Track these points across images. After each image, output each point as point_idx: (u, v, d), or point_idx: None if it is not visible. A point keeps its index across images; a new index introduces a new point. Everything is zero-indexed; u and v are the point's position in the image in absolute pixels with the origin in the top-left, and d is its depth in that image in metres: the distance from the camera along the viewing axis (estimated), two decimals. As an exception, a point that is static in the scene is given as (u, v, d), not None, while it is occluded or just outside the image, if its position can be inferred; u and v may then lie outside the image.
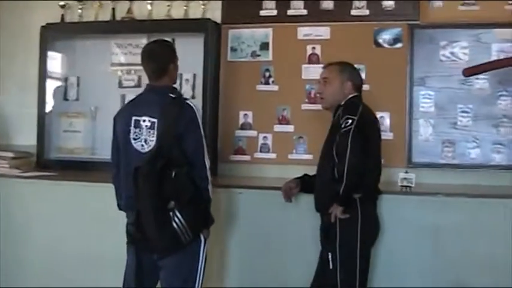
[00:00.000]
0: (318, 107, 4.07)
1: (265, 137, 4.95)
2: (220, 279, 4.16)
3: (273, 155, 4.92)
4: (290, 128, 4.91)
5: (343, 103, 3.60)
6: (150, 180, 3.13)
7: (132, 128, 3.37)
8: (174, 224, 3.19)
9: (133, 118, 3.37)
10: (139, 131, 3.35)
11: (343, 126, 3.39)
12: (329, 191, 3.47)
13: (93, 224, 4.29)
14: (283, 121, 4.93)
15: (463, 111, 4.58)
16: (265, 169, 4.89)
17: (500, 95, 4.53)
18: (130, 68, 5.21)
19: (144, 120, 3.34)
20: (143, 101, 3.45)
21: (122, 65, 5.28)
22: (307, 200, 3.83)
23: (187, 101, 3.36)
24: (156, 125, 3.31)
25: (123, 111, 3.53)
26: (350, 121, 3.38)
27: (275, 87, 4.96)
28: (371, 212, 3.55)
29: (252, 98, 4.98)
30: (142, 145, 3.33)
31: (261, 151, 4.95)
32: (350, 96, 3.64)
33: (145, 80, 3.60)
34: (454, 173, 4.53)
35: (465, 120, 4.58)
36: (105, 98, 5.24)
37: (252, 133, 4.98)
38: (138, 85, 5.08)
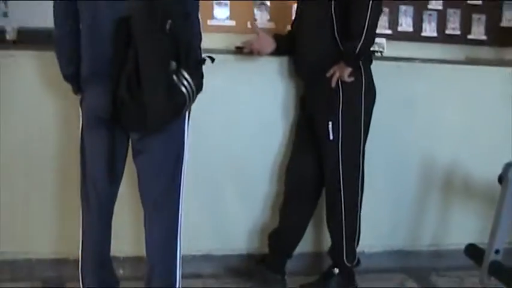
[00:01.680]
0: None
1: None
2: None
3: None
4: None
5: None
6: (154, 36, 2.54)
7: None
8: (184, 89, 2.61)
9: None
10: None
11: None
12: (331, 54, 3.23)
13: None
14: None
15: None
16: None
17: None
18: None
19: None
20: None
21: None
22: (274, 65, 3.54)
23: None
24: None
25: None
26: None
27: None
28: (371, 75, 3.31)
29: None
30: None
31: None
32: None
33: None
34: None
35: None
36: None
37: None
38: None
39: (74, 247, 3.15)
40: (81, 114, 2.81)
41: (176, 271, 2.87)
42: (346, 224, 3.33)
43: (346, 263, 3.39)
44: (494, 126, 3.86)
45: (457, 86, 3.83)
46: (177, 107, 2.64)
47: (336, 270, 3.43)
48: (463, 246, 3.43)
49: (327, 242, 3.56)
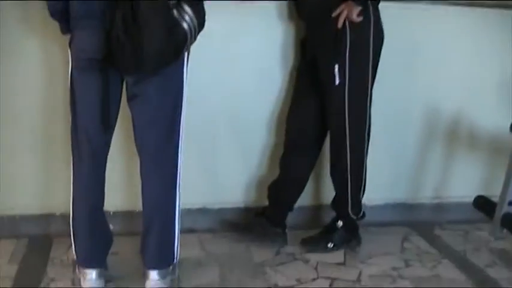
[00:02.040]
0: None
1: None
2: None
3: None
4: None
5: None
6: None
7: None
8: (185, 25, 2.41)
9: None
10: None
11: None
12: None
13: None
14: None
15: None
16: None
17: None
18: None
19: None
20: None
21: None
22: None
23: None
24: None
25: None
26: None
27: None
28: (379, 15, 3.11)
29: None
30: None
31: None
32: None
33: None
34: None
35: None
36: None
37: None
38: None
39: (61, 202, 3.09)
40: (70, 57, 2.59)
41: (175, 225, 2.75)
42: (351, 173, 3.18)
43: (351, 215, 3.26)
44: (503, 74, 3.67)
45: (464, 30, 3.62)
46: (177, 45, 2.43)
47: (340, 223, 3.30)
48: (467, 199, 3.40)
49: (328, 194, 3.44)
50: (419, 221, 3.71)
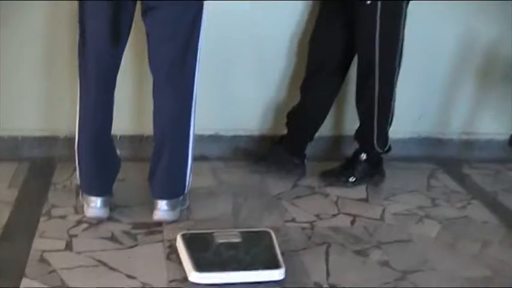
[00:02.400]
0: None
1: None
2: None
3: None
4: None
5: None
6: None
7: None
8: None
9: None
10: None
11: None
12: None
13: None
14: None
15: None
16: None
17: None
18: None
19: None
20: None
21: None
22: None
23: None
24: None
25: None
26: None
27: None
28: None
29: None
30: None
31: None
32: None
33: None
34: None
35: None
36: None
37: None
38: None
39: (64, 124, 3.04)
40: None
41: (188, 152, 2.60)
42: (379, 102, 2.98)
43: (376, 147, 3.07)
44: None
45: None
46: None
47: (363, 156, 3.12)
48: (498, 137, 3.28)
49: (351, 124, 3.25)
50: (446, 158, 3.52)
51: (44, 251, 2.36)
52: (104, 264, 2.32)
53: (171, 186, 2.62)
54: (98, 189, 2.60)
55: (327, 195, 3.01)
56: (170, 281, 2.25)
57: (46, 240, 2.45)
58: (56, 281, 2.19)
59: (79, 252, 2.38)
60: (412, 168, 3.38)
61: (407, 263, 2.47)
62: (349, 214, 2.84)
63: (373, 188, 3.11)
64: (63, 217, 2.62)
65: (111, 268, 2.30)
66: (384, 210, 2.90)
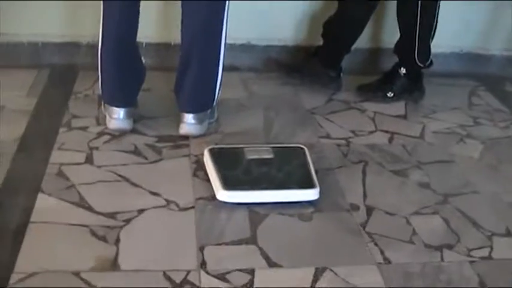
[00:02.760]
0: None
1: None
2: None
3: None
4: None
5: None
6: None
7: None
8: None
9: None
10: None
11: None
12: None
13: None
14: None
15: None
16: None
17: None
18: None
19: None
20: None
21: None
22: None
23: None
24: None
25: None
26: None
27: None
28: None
29: None
30: None
31: None
32: None
33: None
34: None
35: None
36: None
37: None
38: None
39: (86, 30, 2.97)
40: None
41: (218, 62, 2.48)
42: (422, 13, 2.82)
43: (416, 61, 2.93)
44: None
45: None
46: None
47: (403, 70, 2.98)
48: None
49: (391, 36, 3.09)
50: (488, 74, 3.36)
51: (62, 164, 2.27)
52: (126, 179, 2.24)
53: (199, 99, 2.50)
54: (122, 100, 2.49)
55: (363, 111, 2.89)
56: (197, 199, 2.16)
57: (65, 153, 2.36)
58: (74, 196, 2.11)
59: (99, 166, 2.30)
60: (452, 84, 3.24)
61: (448, 185, 2.36)
62: (386, 131, 2.72)
63: (412, 104, 3.00)
64: (83, 128, 2.53)
65: (133, 184, 2.21)
66: (423, 128, 2.78)
